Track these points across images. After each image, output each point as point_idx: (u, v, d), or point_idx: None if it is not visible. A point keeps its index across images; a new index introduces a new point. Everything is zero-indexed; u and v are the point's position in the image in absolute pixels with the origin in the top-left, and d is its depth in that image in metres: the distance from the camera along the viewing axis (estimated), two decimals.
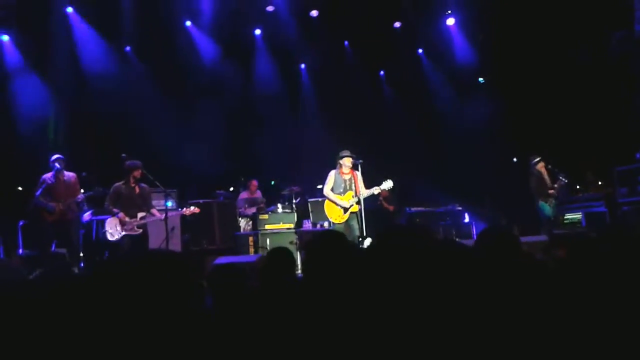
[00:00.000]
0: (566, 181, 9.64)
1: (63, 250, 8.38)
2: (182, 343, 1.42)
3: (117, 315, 1.34)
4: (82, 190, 8.53)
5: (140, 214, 7.98)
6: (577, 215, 10.27)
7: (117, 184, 8.06)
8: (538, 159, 9.68)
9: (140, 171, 7.99)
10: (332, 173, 8.46)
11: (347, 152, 8.39)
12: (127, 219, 7.87)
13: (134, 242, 7.87)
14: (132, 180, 7.99)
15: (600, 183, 10.95)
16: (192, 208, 8.44)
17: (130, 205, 7.97)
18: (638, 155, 9.62)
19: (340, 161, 8.35)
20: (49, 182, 8.00)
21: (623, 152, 10.01)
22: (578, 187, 10.81)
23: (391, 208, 11.47)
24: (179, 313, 1.38)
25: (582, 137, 11.11)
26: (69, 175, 8.19)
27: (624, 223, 8.92)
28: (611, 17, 10.55)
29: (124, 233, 7.86)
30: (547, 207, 9.54)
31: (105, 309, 1.35)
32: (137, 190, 8.09)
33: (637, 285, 2.05)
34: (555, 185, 9.47)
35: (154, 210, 8.15)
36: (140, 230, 7.97)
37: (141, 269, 1.40)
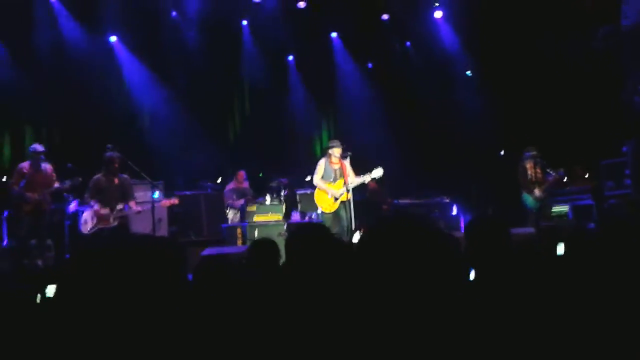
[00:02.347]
0: (564, 176, 9.49)
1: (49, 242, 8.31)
2: (164, 335, 1.38)
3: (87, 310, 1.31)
4: (67, 181, 8.45)
5: (118, 206, 7.85)
6: (564, 208, 10.32)
7: (95, 176, 7.95)
8: (532, 154, 9.44)
9: (117, 163, 7.88)
10: (322, 162, 8.56)
11: (336, 142, 8.51)
12: (102, 211, 7.75)
13: (110, 234, 7.76)
14: (110, 172, 7.88)
15: (587, 176, 11.01)
16: (171, 199, 8.39)
17: (110, 197, 7.83)
18: (625, 149, 9.67)
19: (330, 151, 8.46)
20: (26, 171, 7.87)
21: (610, 146, 10.06)
22: (565, 180, 10.86)
23: (384, 207, 11.33)
24: (158, 301, 1.35)
25: (569, 130, 11.16)
26: (46, 166, 8.05)
27: (614, 216, 8.95)
28: (598, 11, 10.58)
29: (98, 226, 7.75)
30: (529, 199, 9.38)
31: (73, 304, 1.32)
32: (117, 181, 7.95)
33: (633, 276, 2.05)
34: (549, 179, 9.29)
35: (132, 203, 7.98)
36: (116, 223, 7.83)
37: (108, 257, 1.36)
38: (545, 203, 9.40)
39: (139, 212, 8.08)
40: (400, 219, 1.76)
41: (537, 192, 9.24)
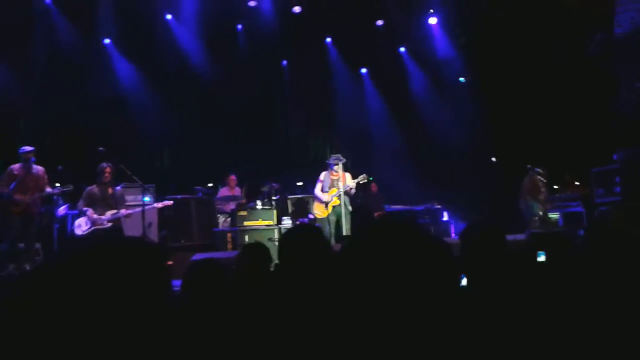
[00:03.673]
0: (544, 180, 10.03)
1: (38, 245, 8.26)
2: (151, 339, 1.36)
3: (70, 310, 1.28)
4: (57, 185, 8.41)
5: (110, 212, 7.99)
6: (555, 215, 10.36)
7: (89, 187, 8.05)
8: (543, 173, 10.08)
9: (108, 172, 7.95)
10: (323, 175, 9.10)
11: (337, 158, 8.92)
12: (95, 215, 7.87)
13: (105, 234, 7.82)
14: (102, 182, 7.98)
15: (577, 183, 11.05)
16: (165, 201, 8.46)
17: (103, 205, 7.98)
18: (615, 157, 9.71)
19: (333, 167, 8.92)
20: (17, 173, 7.82)
21: (601, 153, 10.10)
22: (556, 187, 10.89)
23: (376, 214, 11.32)
24: (143, 306, 1.32)
25: (560, 137, 11.20)
26: (38, 168, 8.02)
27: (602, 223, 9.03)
28: (590, 19, 10.64)
29: (92, 228, 7.84)
30: (536, 206, 9.97)
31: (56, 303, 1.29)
32: (110, 191, 8.09)
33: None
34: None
35: (122, 210, 8.11)
36: (110, 224, 7.95)
37: (95, 256, 1.34)
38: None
39: (129, 215, 8.15)
40: (388, 222, 1.75)
41: (542, 200, 10.02)
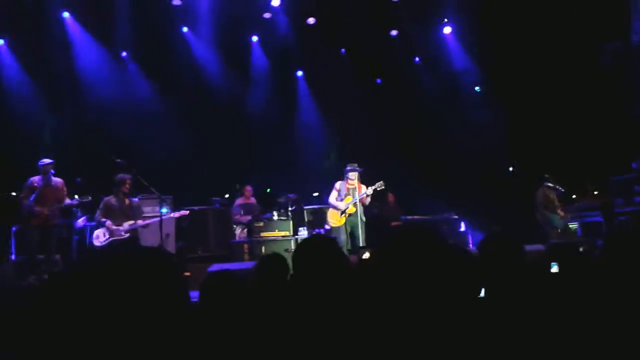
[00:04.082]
0: (562, 190, 10.02)
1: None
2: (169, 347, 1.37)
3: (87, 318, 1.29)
4: (76, 196, 8.50)
5: (127, 222, 8.12)
6: (573, 225, 10.25)
7: (107, 197, 8.17)
8: (550, 184, 10.08)
9: (128, 183, 8.10)
10: (338, 184, 9.02)
11: (353, 166, 8.80)
12: (114, 226, 7.99)
13: (123, 245, 7.87)
14: (121, 193, 8.12)
15: (596, 192, 10.94)
16: (181, 212, 8.55)
17: (120, 216, 8.11)
18: (634, 165, 9.61)
19: (348, 174, 8.72)
20: (37, 185, 7.92)
21: (620, 162, 10.00)
22: (574, 196, 10.79)
23: (393, 224, 11.27)
24: (160, 315, 1.33)
25: (579, 146, 11.10)
26: (57, 180, 8.13)
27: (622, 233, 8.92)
28: (605, 27, 10.57)
29: (111, 238, 7.95)
30: (556, 219, 9.94)
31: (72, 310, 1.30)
32: (127, 202, 8.22)
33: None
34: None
35: (139, 221, 8.27)
36: (128, 235, 8.06)
37: (113, 266, 1.35)
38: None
39: (147, 225, 8.29)
40: (409, 233, 1.75)
41: (560, 212, 9.96)
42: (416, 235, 1.70)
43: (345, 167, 9.05)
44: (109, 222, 7.97)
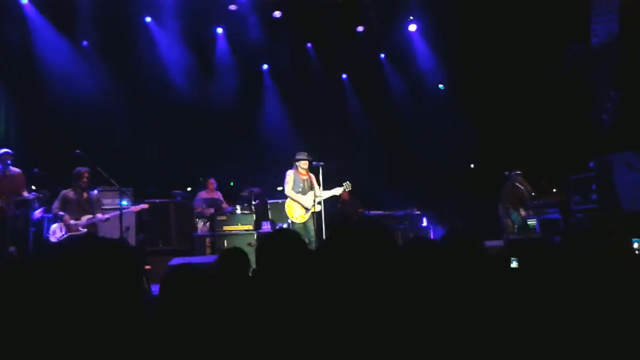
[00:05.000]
0: (532, 194, 10.33)
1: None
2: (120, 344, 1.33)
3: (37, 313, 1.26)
4: (33, 187, 8.30)
5: (85, 217, 7.95)
6: (532, 222, 10.46)
7: (64, 190, 8.00)
8: (519, 172, 10.32)
9: (86, 177, 7.95)
10: (291, 173, 8.58)
11: (304, 155, 8.52)
12: (71, 221, 7.81)
13: (80, 240, 7.69)
14: (79, 187, 7.96)
15: (554, 190, 11.17)
16: (141, 205, 8.41)
17: (78, 210, 7.94)
18: (591, 164, 9.85)
19: (297, 163, 8.44)
20: None
21: (578, 161, 10.23)
22: (533, 194, 11.01)
23: (357, 212, 11.36)
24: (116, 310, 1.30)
25: (538, 144, 11.32)
26: (15, 171, 7.92)
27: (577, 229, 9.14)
28: (567, 29, 10.78)
29: (67, 234, 7.76)
30: (515, 214, 10.25)
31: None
32: (85, 195, 8.05)
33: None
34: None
35: (98, 214, 8.10)
36: (85, 230, 7.89)
37: (72, 259, 1.32)
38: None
39: (107, 219, 8.12)
40: (354, 226, 1.76)
41: (522, 212, 10.21)
42: (361, 228, 1.71)
43: (296, 155, 8.73)
44: (66, 217, 7.79)
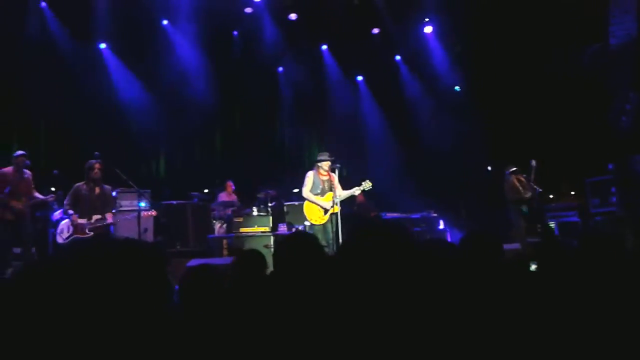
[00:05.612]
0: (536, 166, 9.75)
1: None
2: (147, 344, 1.35)
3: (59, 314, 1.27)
4: (52, 189, 8.36)
5: (95, 217, 7.59)
6: (551, 225, 10.38)
7: (78, 183, 7.68)
8: (513, 169, 9.75)
9: (98, 168, 7.60)
10: (310, 174, 8.43)
11: (325, 155, 8.43)
12: (79, 220, 7.48)
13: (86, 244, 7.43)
14: (91, 180, 7.62)
15: (573, 193, 11.08)
16: (150, 212, 8.19)
17: (88, 207, 7.57)
18: (610, 167, 9.75)
19: (319, 163, 8.38)
20: (12, 177, 7.64)
21: (596, 164, 10.14)
22: (551, 196, 10.93)
23: (372, 214, 11.36)
24: (140, 311, 1.32)
25: (556, 147, 11.23)
26: (28, 173, 7.88)
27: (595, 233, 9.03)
28: (585, 30, 10.69)
29: (73, 236, 7.50)
30: (524, 209, 9.67)
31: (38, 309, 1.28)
32: (97, 191, 7.69)
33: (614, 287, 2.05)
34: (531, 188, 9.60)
35: (108, 215, 7.73)
36: (92, 234, 7.51)
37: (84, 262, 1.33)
38: (538, 208, 9.67)
39: (113, 224, 7.87)
40: (375, 229, 1.75)
41: (526, 194, 9.49)
42: (381, 231, 1.71)
43: (318, 156, 8.56)
44: (74, 216, 7.46)
